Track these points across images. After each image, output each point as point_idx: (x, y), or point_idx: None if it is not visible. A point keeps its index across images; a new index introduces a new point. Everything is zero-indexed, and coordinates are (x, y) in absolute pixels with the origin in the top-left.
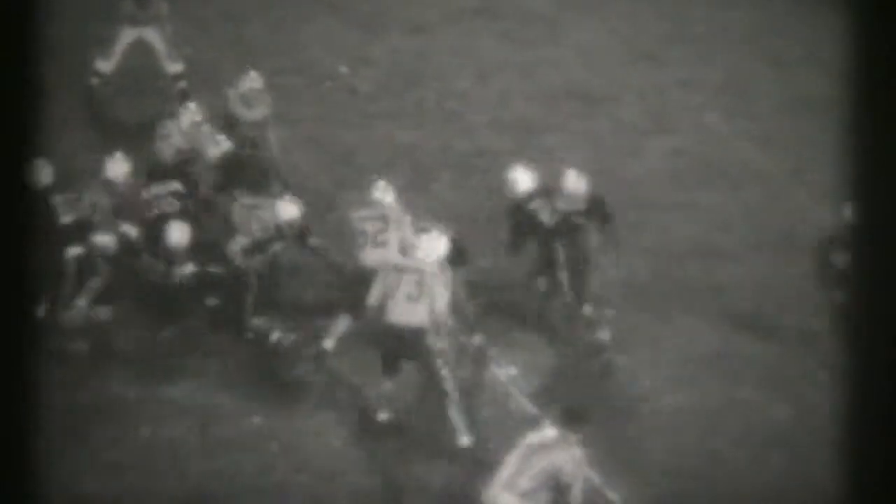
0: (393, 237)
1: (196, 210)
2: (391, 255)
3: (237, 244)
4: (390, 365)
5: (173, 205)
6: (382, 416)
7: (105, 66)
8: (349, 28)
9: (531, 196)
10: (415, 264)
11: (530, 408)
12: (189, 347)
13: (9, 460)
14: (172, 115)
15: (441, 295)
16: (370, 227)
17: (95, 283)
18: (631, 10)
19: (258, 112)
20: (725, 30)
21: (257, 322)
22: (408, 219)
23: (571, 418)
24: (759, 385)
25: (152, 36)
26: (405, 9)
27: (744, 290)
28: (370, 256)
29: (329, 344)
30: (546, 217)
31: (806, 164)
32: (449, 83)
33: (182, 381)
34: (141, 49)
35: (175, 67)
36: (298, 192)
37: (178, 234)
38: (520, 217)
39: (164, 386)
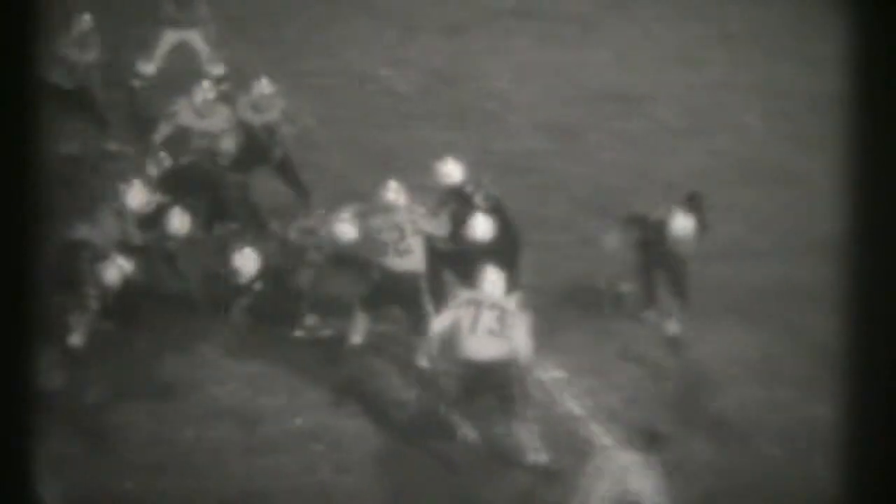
0: (415, 243)
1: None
2: (419, 263)
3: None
4: (468, 399)
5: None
6: (468, 433)
7: (147, 68)
8: (387, 29)
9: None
10: (495, 300)
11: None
12: (233, 347)
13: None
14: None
15: (522, 332)
16: (388, 237)
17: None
18: (666, 12)
19: (268, 116)
20: (761, 30)
21: (309, 321)
22: (422, 215)
23: (651, 440)
24: (797, 386)
25: (194, 38)
26: (442, 10)
27: (780, 291)
28: (400, 265)
29: (357, 339)
30: (479, 200)
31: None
32: (486, 84)
33: (228, 381)
34: (183, 51)
35: (217, 70)
36: (338, 192)
37: (177, 221)
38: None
39: (210, 385)
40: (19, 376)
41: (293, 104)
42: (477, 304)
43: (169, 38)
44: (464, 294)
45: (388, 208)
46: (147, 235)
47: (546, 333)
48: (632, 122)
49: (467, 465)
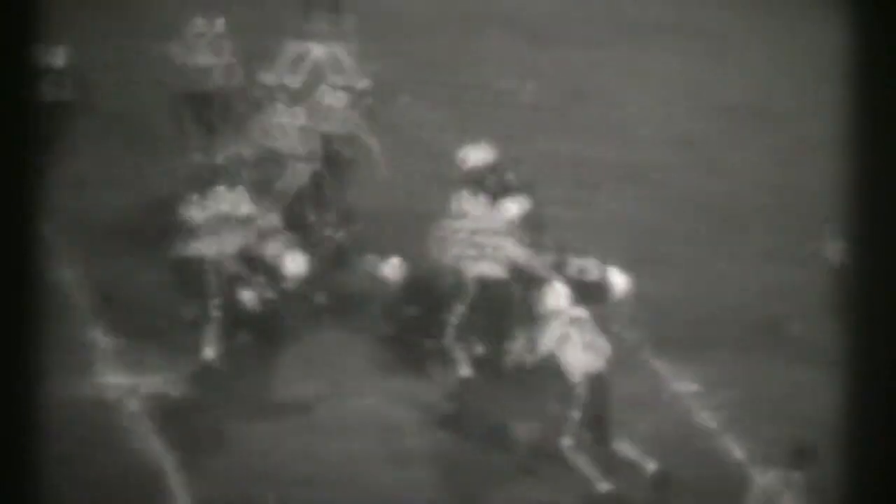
0: (502, 253)
1: None
2: (497, 270)
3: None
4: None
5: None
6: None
7: (292, 81)
8: (521, 43)
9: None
10: (588, 314)
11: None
12: (376, 362)
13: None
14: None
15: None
16: (481, 240)
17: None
18: (800, 28)
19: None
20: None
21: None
22: (511, 235)
23: (797, 457)
24: None
25: (340, 52)
26: (576, 24)
27: None
28: (482, 269)
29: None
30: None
31: None
32: (618, 97)
33: (370, 395)
34: (329, 65)
35: (361, 83)
36: None
37: (293, 265)
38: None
39: (353, 398)
40: (21, 377)
41: (433, 116)
42: (575, 319)
43: (314, 52)
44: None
45: (468, 216)
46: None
47: (684, 345)
48: (768, 137)
49: None
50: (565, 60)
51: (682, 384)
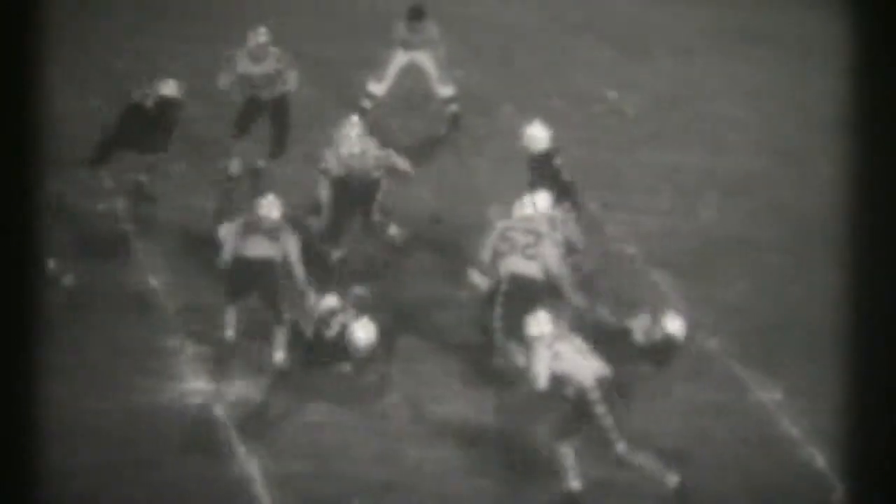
0: (545, 252)
1: None
2: (537, 270)
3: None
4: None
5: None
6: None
7: (377, 88)
8: (615, 52)
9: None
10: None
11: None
12: (454, 371)
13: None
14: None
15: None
16: (520, 238)
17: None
18: None
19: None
20: None
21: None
22: (558, 237)
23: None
24: None
25: (424, 59)
26: (672, 32)
27: None
28: (516, 266)
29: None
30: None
31: None
32: (712, 106)
33: (448, 401)
34: (413, 72)
35: (447, 91)
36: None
37: (363, 334)
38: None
39: (433, 406)
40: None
41: (523, 124)
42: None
43: (399, 58)
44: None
45: (528, 217)
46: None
47: (761, 353)
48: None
49: None
50: (659, 70)
51: (765, 392)
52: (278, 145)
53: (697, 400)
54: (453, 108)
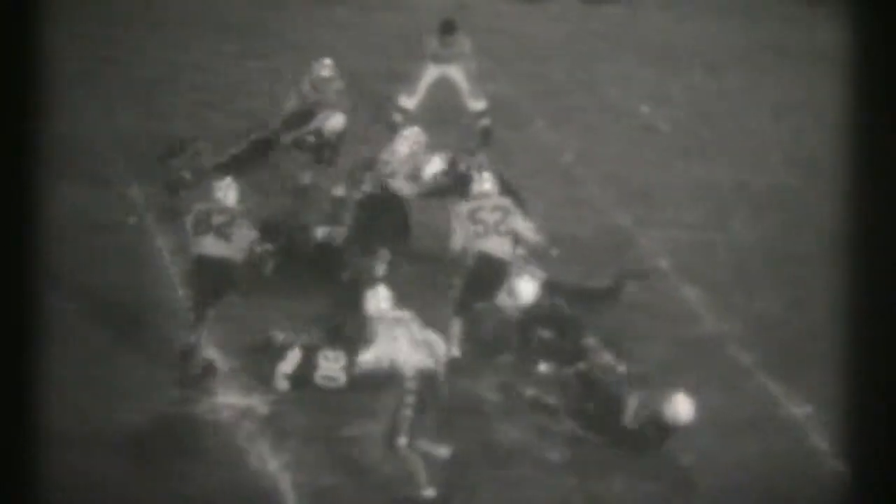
0: (517, 226)
1: None
2: (509, 247)
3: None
4: None
5: None
6: None
7: (408, 102)
8: (648, 67)
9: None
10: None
11: None
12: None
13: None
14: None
15: None
16: (489, 217)
17: None
18: None
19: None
20: None
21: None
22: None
23: None
24: None
25: (456, 73)
26: (703, 47)
27: None
28: (488, 245)
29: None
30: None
31: None
32: (744, 121)
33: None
34: (444, 86)
35: (478, 104)
36: (598, 227)
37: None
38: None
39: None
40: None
41: (555, 138)
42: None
43: (431, 72)
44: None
45: (488, 194)
46: None
47: (792, 367)
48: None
49: None
50: (691, 84)
51: (796, 406)
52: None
53: (729, 413)
54: (485, 121)
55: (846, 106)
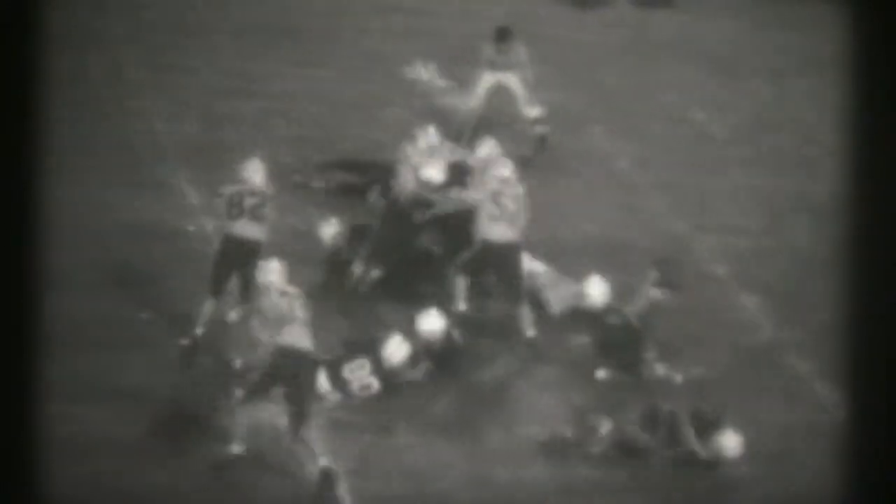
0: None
1: None
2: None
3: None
4: None
5: None
6: None
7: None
8: (705, 73)
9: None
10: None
11: None
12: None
13: None
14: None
15: None
16: (510, 204)
17: None
18: None
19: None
20: None
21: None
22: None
23: None
24: None
25: (512, 81)
26: (760, 54)
27: None
28: (493, 233)
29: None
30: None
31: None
32: (805, 129)
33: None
34: (501, 93)
35: (534, 111)
36: (656, 234)
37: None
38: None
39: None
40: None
41: (611, 145)
42: None
43: (487, 80)
44: None
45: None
46: None
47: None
48: None
49: None
50: (748, 91)
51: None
52: None
53: (789, 420)
54: (541, 128)
55: None
